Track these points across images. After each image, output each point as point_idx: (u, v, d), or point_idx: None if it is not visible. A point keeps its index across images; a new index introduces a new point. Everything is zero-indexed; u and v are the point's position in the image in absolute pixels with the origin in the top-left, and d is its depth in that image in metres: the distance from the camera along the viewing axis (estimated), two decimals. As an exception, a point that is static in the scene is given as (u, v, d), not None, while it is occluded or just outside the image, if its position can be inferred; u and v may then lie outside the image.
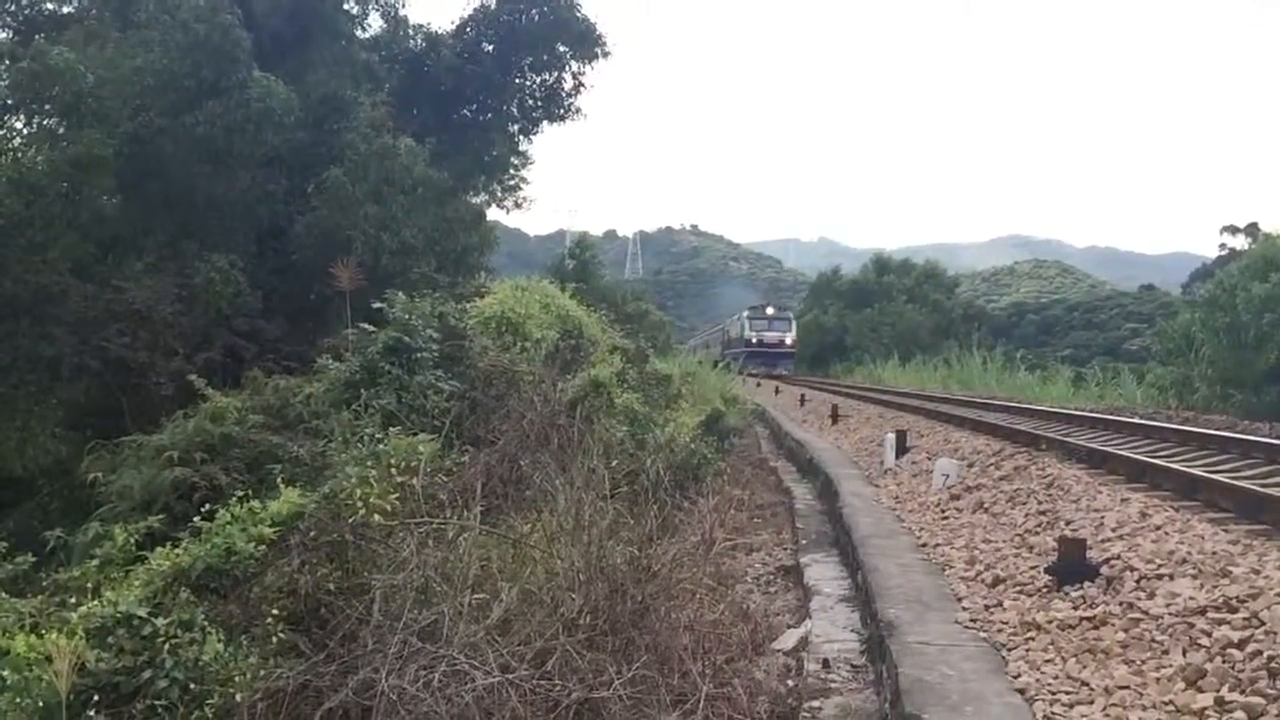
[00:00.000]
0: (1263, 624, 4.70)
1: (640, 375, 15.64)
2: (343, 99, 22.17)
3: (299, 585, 5.50)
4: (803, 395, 33.65)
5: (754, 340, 62.03)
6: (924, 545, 8.89)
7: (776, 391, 40.00)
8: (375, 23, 28.38)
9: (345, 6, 25.60)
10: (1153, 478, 9.23)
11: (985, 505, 9.50)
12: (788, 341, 63.11)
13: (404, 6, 28.18)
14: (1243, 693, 4.24)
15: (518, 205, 36.26)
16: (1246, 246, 58.84)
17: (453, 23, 28.54)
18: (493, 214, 36.87)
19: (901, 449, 14.46)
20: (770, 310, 66.78)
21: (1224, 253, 69.78)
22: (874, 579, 7.77)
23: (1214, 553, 5.87)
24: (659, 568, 6.05)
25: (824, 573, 9.75)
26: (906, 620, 6.47)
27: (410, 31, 28.45)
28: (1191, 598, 5.31)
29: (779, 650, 7.41)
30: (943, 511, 10.01)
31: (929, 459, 12.91)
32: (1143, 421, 14.73)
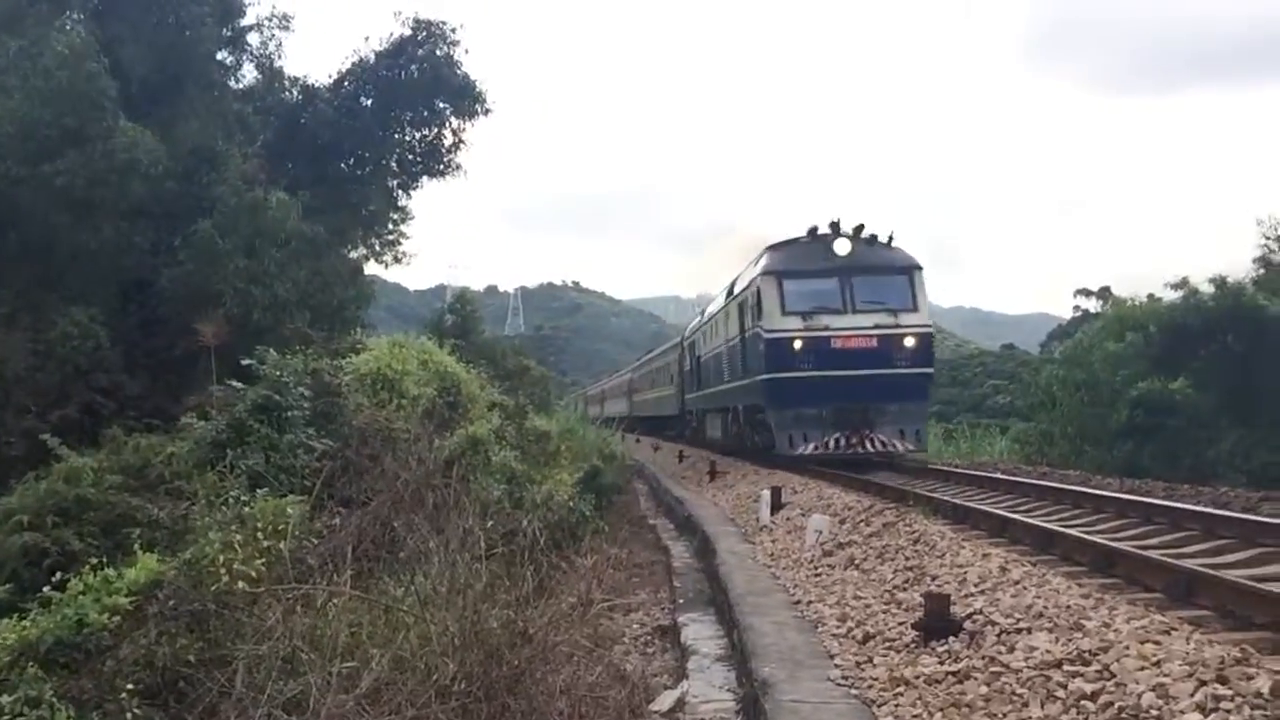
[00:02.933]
0: (1114, 676, 4.89)
1: (519, 432, 15.56)
2: (213, 150, 21.69)
3: (156, 658, 5.26)
4: (681, 451, 33.89)
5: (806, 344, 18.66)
6: (798, 602, 9.01)
7: (656, 449, 40.20)
8: (249, 74, 28.01)
9: (219, 57, 25.16)
10: (1012, 533, 9.60)
11: (856, 561, 9.69)
12: (909, 343, 18.67)
13: (280, 59, 27.89)
14: (1095, 744, 4.40)
15: (397, 260, 35.83)
16: (1098, 309, 62.05)
17: (330, 76, 28.46)
18: (371, 268, 36.36)
19: (776, 505, 14.66)
20: (842, 246, 18.93)
21: (1078, 314, 73.29)
22: (749, 637, 7.84)
23: (1068, 606, 6.11)
24: (535, 631, 5.99)
25: (701, 632, 9.79)
26: (781, 679, 6.54)
27: (286, 84, 28.11)
28: (1048, 651, 5.51)
29: (656, 712, 7.38)
30: (815, 568, 10.18)
31: (803, 515, 13.12)
32: (1004, 477, 15.31)
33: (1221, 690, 4.26)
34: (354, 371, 13.16)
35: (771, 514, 14.45)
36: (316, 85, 27.53)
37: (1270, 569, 7.06)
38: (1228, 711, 4.09)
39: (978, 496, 13.11)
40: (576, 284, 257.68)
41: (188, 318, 16.97)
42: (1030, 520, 9.97)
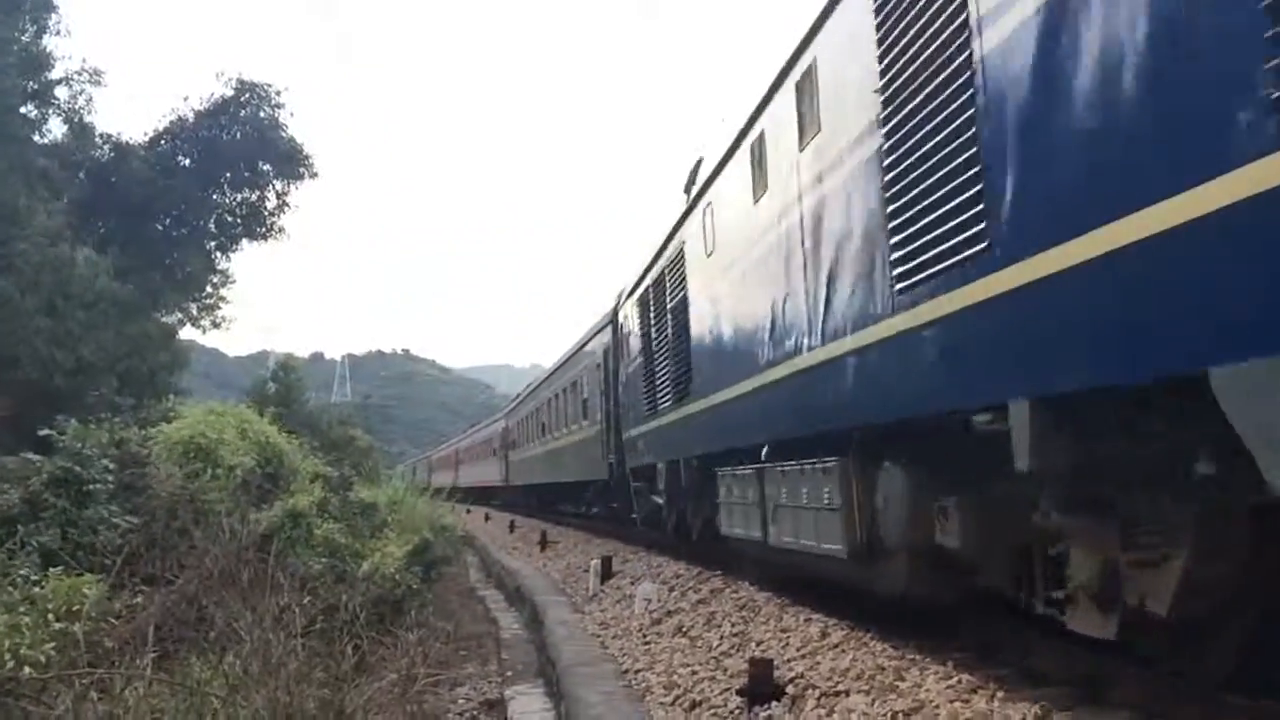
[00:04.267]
0: (926, 734, 5.06)
1: (343, 504, 15.04)
2: (13, 206, 20.44)
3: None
4: (512, 521, 33.50)
5: None
6: (626, 672, 8.98)
7: (487, 518, 39.62)
8: (57, 128, 26.61)
9: (22, 110, 23.81)
10: (834, 602, 9.81)
11: (684, 629, 9.75)
12: None
13: (90, 114, 26.50)
14: (910, 803, 4.51)
15: (215, 325, 34.33)
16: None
17: (146, 134, 27.34)
18: (188, 333, 34.77)
19: (607, 574, 14.66)
20: None
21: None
22: (576, 709, 7.76)
23: (883, 668, 6.31)
24: (352, 710, 5.76)
25: (530, 705, 9.64)
26: (608, 750, 6.50)
27: (97, 140, 26.76)
28: (865, 713, 5.65)
29: (480, 790, 7.20)
30: (645, 637, 10.18)
31: (632, 584, 13.15)
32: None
33: (1023, 744, 4.45)
34: (164, 440, 12.49)
35: (601, 583, 14.42)
36: (130, 142, 26.38)
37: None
38: (1029, 765, 4.27)
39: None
40: (406, 351, 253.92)
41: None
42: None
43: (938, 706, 5.29)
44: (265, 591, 6.83)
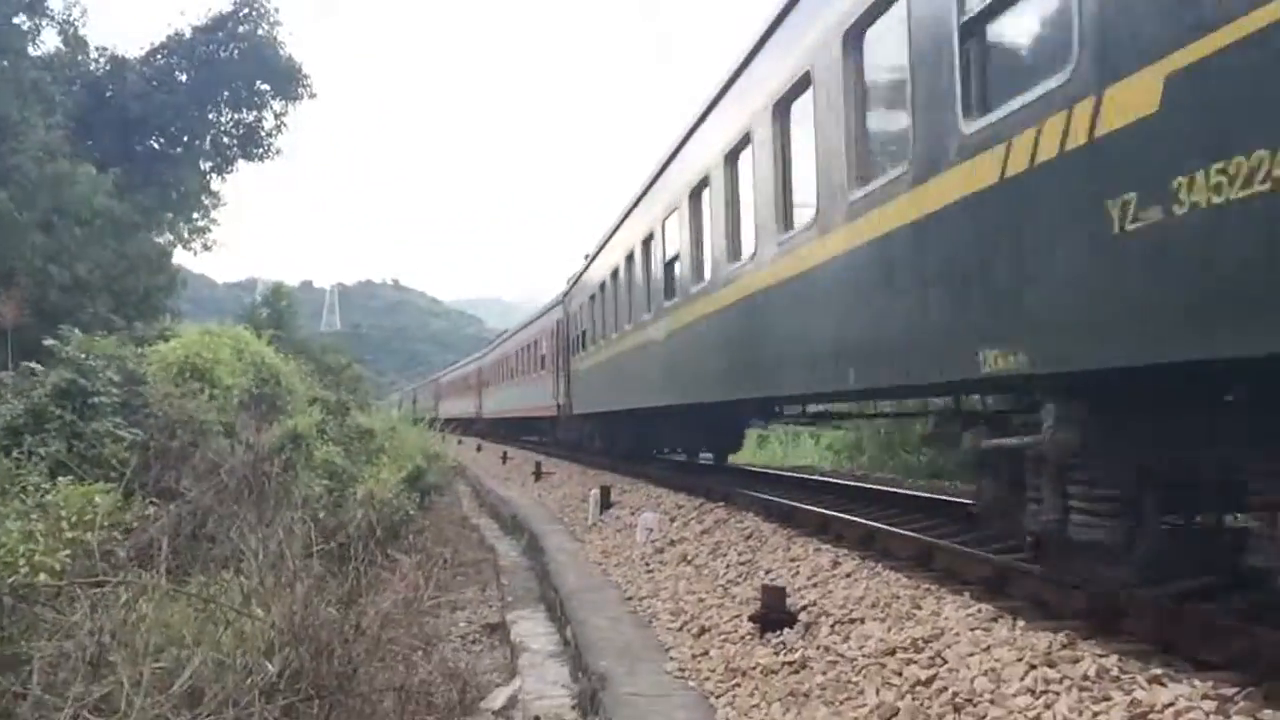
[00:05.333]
0: (946, 662, 5.05)
1: (341, 428, 15.00)
2: (6, 119, 20.00)
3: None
4: (505, 453, 33.52)
5: None
6: (631, 599, 9.01)
7: (478, 449, 39.66)
8: (51, 40, 25.97)
9: (15, 20, 23.20)
10: (836, 529, 9.82)
11: (689, 558, 9.76)
12: None
13: (83, 26, 25.87)
14: (931, 726, 4.51)
15: (206, 248, 33.95)
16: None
17: (142, 48, 26.80)
18: (179, 256, 34.36)
19: (605, 504, 14.66)
20: None
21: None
22: (583, 632, 7.78)
23: (898, 596, 6.29)
24: (367, 626, 5.73)
25: (532, 629, 9.67)
26: (618, 672, 6.50)
27: (92, 53, 26.20)
28: (882, 639, 5.64)
29: (488, 710, 7.22)
30: (648, 565, 10.20)
31: (632, 514, 13.16)
32: (824, 479, 15.76)
33: (1050, 673, 4.43)
34: (160, 360, 12.34)
35: (600, 513, 14.44)
36: (126, 56, 25.82)
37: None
38: (1056, 694, 4.25)
39: (800, 497, 13.41)
40: (396, 282, 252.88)
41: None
42: (852, 518, 10.22)
43: (958, 633, 5.28)
44: (274, 507, 6.77)
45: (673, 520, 11.78)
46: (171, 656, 5.07)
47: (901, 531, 8.89)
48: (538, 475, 23.61)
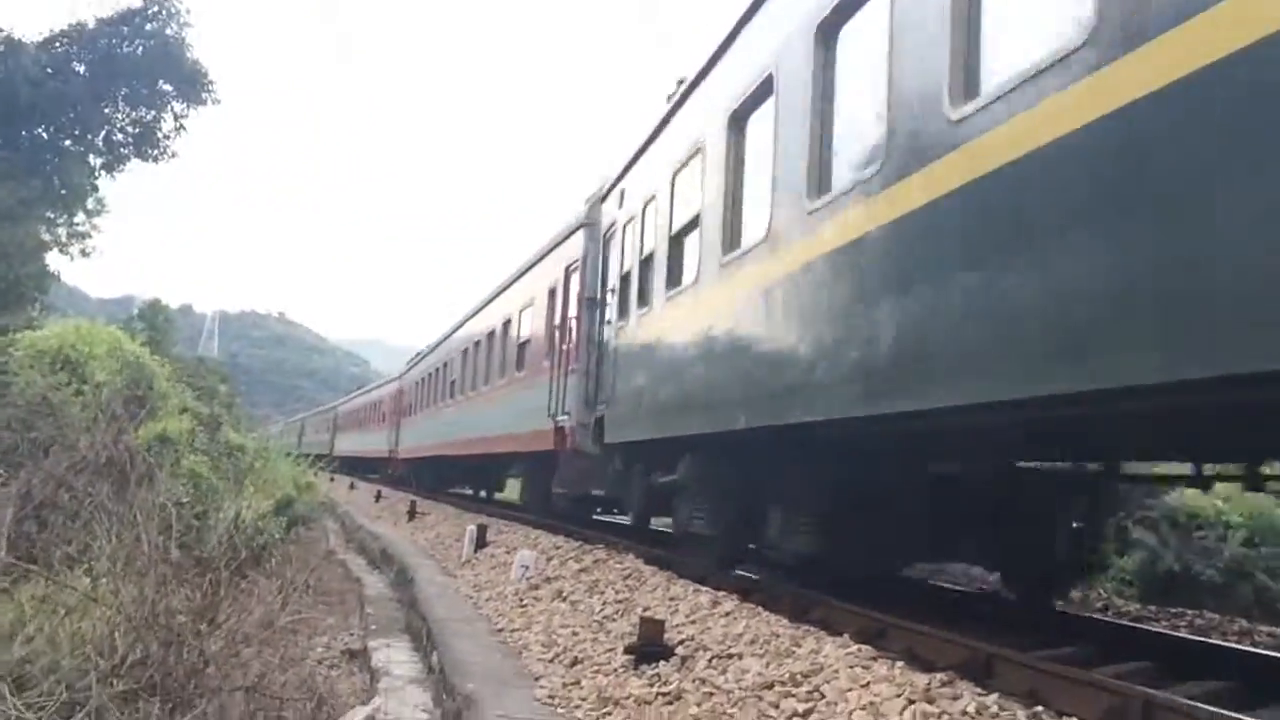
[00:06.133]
0: (824, 696, 4.99)
1: (211, 441, 14.38)
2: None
3: None
4: (379, 491, 32.70)
5: None
6: (501, 630, 8.74)
7: (351, 487, 38.59)
8: (-63, 18, 24.78)
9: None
10: (717, 580, 9.72)
11: (564, 594, 9.55)
12: None
13: (-21, 7, 24.74)
14: (808, 757, 4.41)
15: (84, 254, 32.41)
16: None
17: (40, 34, 25.59)
18: (53, 261, 32.80)
19: (481, 543, 14.33)
20: None
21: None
22: (450, 656, 7.50)
23: (778, 634, 6.22)
24: (223, 621, 5.39)
25: (394, 656, 9.30)
26: (486, 695, 6.24)
27: (-13, 33, 25.04)
28: (760, 673, 5.55)
29: (344, 728, 6.84)
30: (521, 600, 9.94)
31: (508, 553, 12.86)
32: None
33: (929, 709, 4.40)
34: (28, 347, 11.67)
35: (475, 550, 14.09)
36: (21, 40, 24.75)
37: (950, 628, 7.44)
38: (936, 728, 4.21)
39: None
40: (282, 315, 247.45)
41: None
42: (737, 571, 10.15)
43: (836, 670, 5.23)
44: (133, 489, 6.37)
45: (549, 559, 11.55)
46: (9, 633, 4.68)
47: (781, 585, 8.85)
48: (411, 515, 23.04)
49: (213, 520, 11.32)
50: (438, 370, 27.45)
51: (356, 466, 45.34)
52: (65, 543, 5.81)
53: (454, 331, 25.13)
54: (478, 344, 23.33)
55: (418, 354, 33.29)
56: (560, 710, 6.05)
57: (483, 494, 28.21)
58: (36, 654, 4.31)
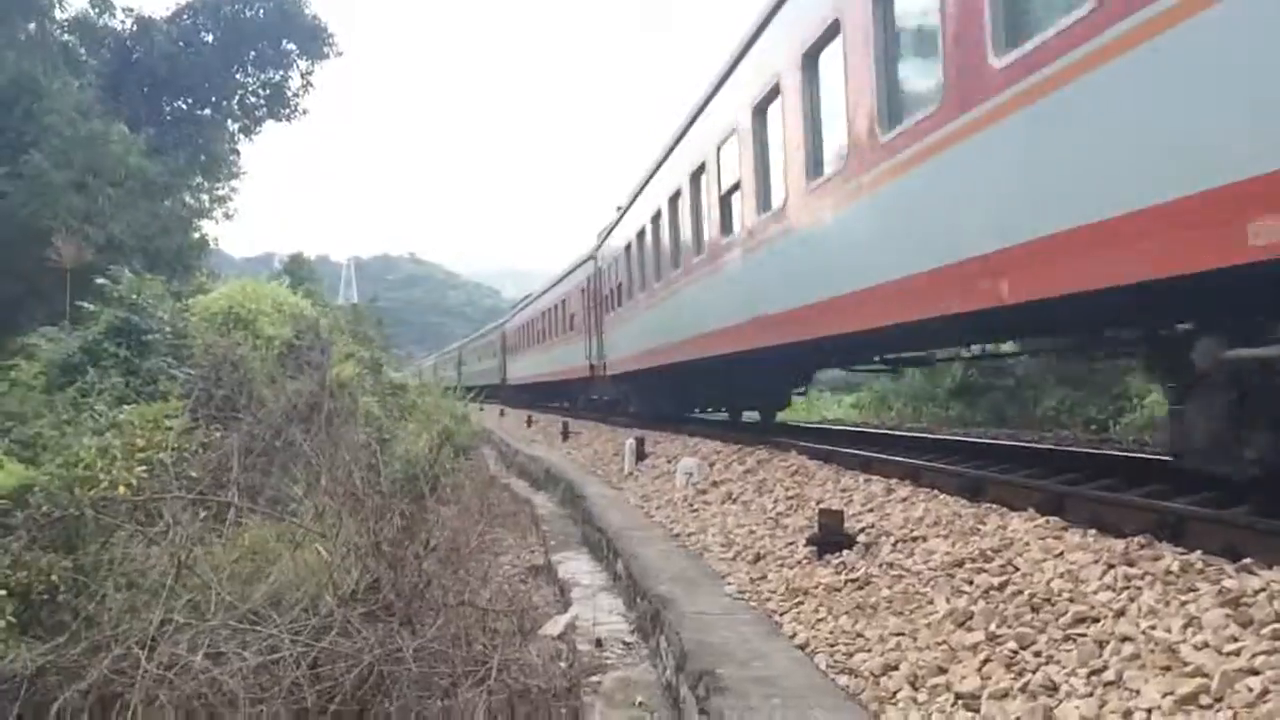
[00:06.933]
0: (1018, 569, 5.07)
1: (376, 382, 15.10)
2: (35, 81, 20.02)
3: (31, 564, 4.81)
4: (530, 416, 33.57)
5: None
6: (678, 535, 9.05)
7: (501, 414, 39.74)
8: (78, 2, 25.92)
9: (41, -19, 23.16)
10: (881, 468, 9.80)
11: (734, 496, 9.79)
12: None
13: (110, -14, 25.78)
14: (1010, 626, 4.53)
15: (228, 216, 33.91)
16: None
17: (168, 9, 26.76)
18: (204, 226, 34.33)
19: (641, 455, 14.70)
20: None
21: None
22: (636, 564, 7.82)
23: (960, 514, 6.31)
24: (436, 542, 5.80)
25: (578, 568, 9.75)
26: (679, 594, 6.54)
27: (119, 15, 26.19)
28: (948, 553, 5.67)
29: (547, 636, 7.29)
30: (692, 505, 10.23)
31: (669, 463, 13.18)
32: (856, 429, 15.76)
33: (1131, 571, 4.45)
34: (203, 310, 12.43)
35: (636, 463, 14.47)
36: (152, 17, 25.81)
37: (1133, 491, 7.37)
38: (1139, 589, 4.27)
39: (837, 442, 13.42)
40: (413, 255, 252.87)
41: (10, 256, 15.66)
42: (895, 458, 10.21)
43: (1027, 543, 5.30)
44: (342, 428, 6.84)
45: (712, 465, 11.80)
46: (249, 569, 5.14)
47: (946, 465, 8.86)
48: (565, 435, 23.66)
49: (390, 454, 11.99)
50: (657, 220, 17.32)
51: (541, 394, 38.99)
52: (292, 482, 6.30)
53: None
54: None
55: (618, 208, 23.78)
56: (753, 604, 6.31)
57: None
58: (286, 585, 4.73)
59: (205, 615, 4.67)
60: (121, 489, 5.43)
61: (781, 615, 5.94)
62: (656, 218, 17.30)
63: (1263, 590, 3.78)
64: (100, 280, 9.64)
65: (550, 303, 33.29)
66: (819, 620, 5.65)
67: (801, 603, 6.04)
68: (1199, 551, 4.47)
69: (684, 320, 15.30)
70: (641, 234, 18.48)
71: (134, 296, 9.10)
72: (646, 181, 18.03)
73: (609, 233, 23.25)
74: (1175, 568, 4.31)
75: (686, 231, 14.92)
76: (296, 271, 43.01)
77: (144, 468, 5.73)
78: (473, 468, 20.65)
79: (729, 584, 6.85)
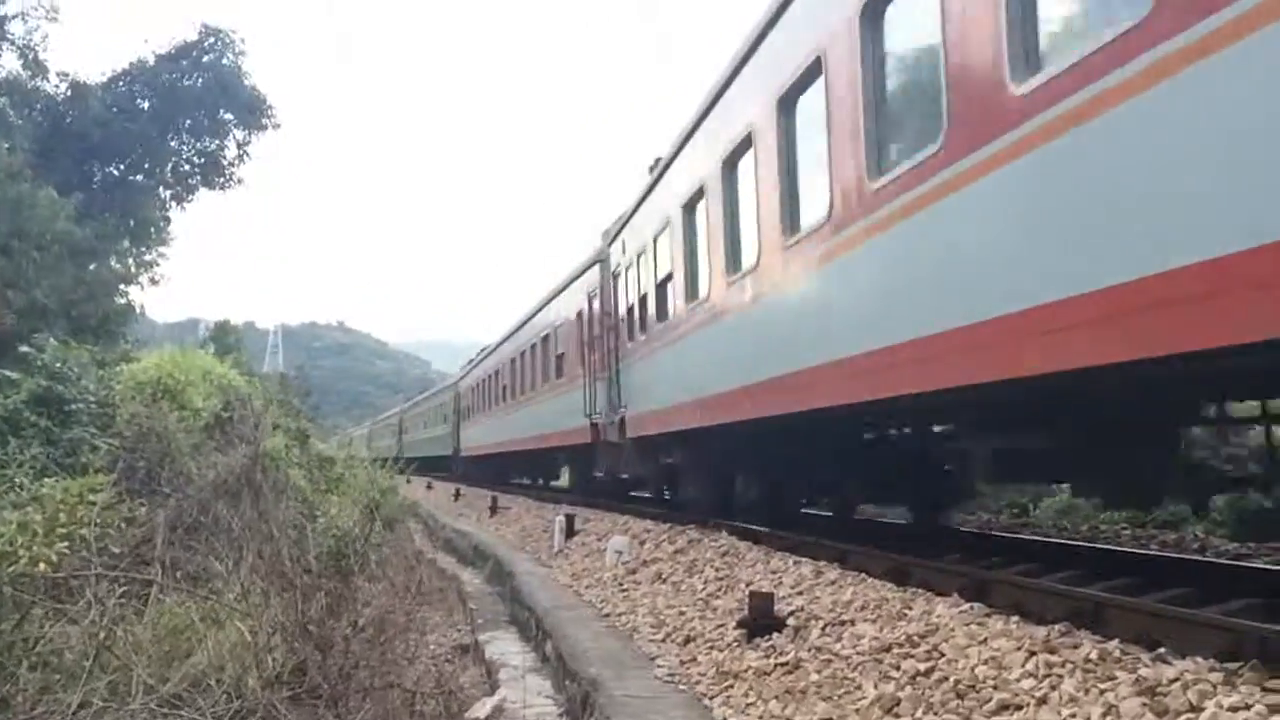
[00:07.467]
0: (944, 655, 5.17)
1: (303, 455, 14.88)
2: (-37, 142, 19.73)
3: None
4: (458, 490, 33.25)
5: None
6: (608, 615, 9.02)
7: (429, 487, 39.25)
8: (10, 64, 25.68)
9: (-28, 45, 22.95)
10: (810, 550, 9.89)
11: (664, 576, 9.81)
12: None
13: (44, 51, 25.63)
14: (936, 713, 4.61)
15: (154, 282, 33.28)
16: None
17: (104, 74, 26.54)
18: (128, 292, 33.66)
19: (570, 532, 14.65)
20: None
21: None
22: (566, 645, 7.78)
23: (886, 599, 6.41)
24: (364, 625, 5.73)
25: (507, 648, 9.66)
26: (608, 677, 6.52)
27: (53, 79, 25.97)
28: (875, 638, 5.75)
29: (475, 718, 7.18)
30: (621, 585, 10.22)
31: (599, 540, 13.16)
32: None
33: (1052, 659, 4.57)
34: (129, 379, 12.20)
35: (566, 539, 14.42)
36: (87, 82, 25.59)
37: (1053, 577, 7.55)
38: (1060, 676, 4.38)
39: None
40: (342, 324, 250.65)
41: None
42: (823, 540, 10.29)
43: (952, 629, 5.40)
44: (274, 503, 6.75)
45: (642, 544, 11.82)
46: (171, 649, 5.03)
47: (876, 552, 8.97)
48: (493, 510, 23.48)
49: (315, 529, 11.78)
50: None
51: (510, 468, 31.92)
52: (217, 559, 6.19)
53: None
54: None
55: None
56: (682, 686, 6.31)
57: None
58: (210, 667, 4.65)
59: (125, 699, 4.54)
60: (42, 565, 5.29)
61: (712, 699, 5.94)
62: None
63: (1176, 680, 3.91)
64: (24, 348, 9.45)
65: (526, 341, 25.89)
66: (749, 704, 5.68)
67: (732, 686, 6.05)
68: (1116, 640, 4.60)
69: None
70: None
71: (58, 364, 8.95)
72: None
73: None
74: (1094, 656, 4.43)
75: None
76: (223, 339, 42.38)
77: (65, 543, 5.60)
78: (399, 541, 20.38)
79: (659, 666, 6.84)
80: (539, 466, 29.01)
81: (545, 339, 23.38)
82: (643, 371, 14.74)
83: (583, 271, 19.47)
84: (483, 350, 36.43)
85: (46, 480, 6.91)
